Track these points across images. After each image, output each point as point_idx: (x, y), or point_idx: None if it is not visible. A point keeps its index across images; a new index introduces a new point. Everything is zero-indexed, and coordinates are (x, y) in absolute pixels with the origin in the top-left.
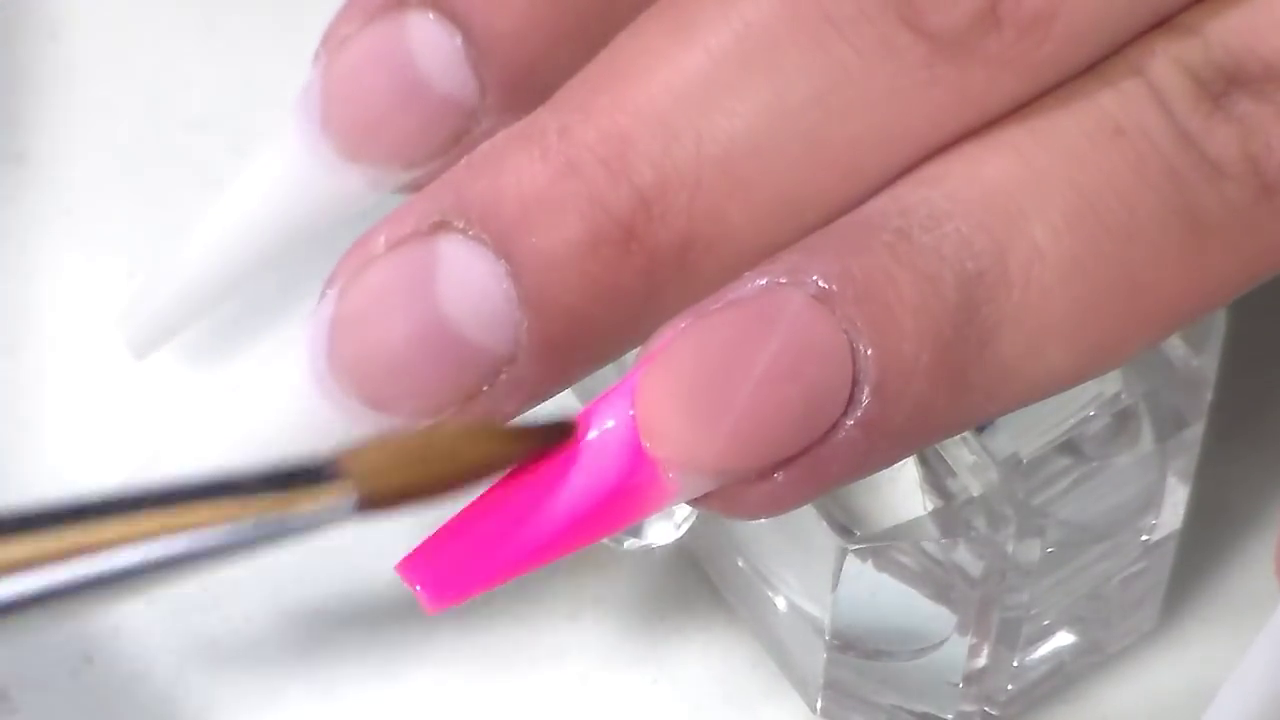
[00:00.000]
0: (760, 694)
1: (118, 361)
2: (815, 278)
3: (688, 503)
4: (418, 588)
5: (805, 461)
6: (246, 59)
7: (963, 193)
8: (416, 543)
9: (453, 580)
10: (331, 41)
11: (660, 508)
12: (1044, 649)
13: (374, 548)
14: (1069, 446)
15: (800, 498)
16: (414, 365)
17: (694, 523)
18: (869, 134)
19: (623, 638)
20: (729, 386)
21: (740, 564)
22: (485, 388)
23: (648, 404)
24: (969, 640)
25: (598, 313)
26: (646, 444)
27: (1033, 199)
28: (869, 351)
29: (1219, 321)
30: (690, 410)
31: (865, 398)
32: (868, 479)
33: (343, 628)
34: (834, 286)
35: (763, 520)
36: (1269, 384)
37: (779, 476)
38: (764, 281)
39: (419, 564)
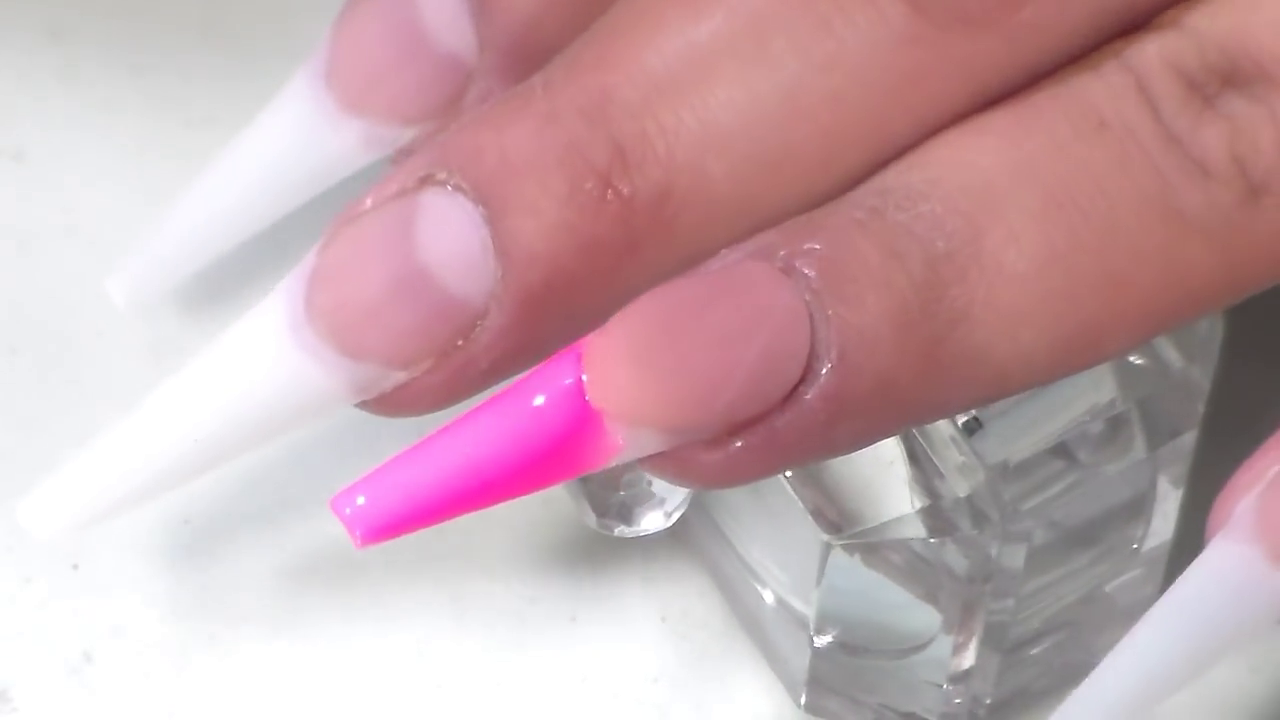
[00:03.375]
0: (761, 693)
1: (119, 361)
2: (783, 251)
3: (643, 466)
4: (350, 522)
5: (762, 430)
6: (246, 59)
7: (943, 177)
8: (413, 555)
9: (385, 518)
10: (350, 3)
11: (605, 463)
12: (1035, 652)
13: (374, 552)
14: (1060, 452)
15: (758, 469)
16: (389, 313)
17: (687, 512)
18: (849, 90)
19: (622, 638)
20: (678, 343)
21: (731, 557)
22: (460, 342)
23: (595, 357)
24: (954, 640)
25: (573, 264)
26: (589, 395)
27: (1012, 185)
28: (830, 323)
29: (1215, 331)
30: (635, 363)
31: (825, 368)
32: (857, 475)
33: (343, 629)
34: (799, 259)
35: (751, 512)
36: (1267, 388)
37: (736, 444)
38: (732, 257)
39: (353, 499)
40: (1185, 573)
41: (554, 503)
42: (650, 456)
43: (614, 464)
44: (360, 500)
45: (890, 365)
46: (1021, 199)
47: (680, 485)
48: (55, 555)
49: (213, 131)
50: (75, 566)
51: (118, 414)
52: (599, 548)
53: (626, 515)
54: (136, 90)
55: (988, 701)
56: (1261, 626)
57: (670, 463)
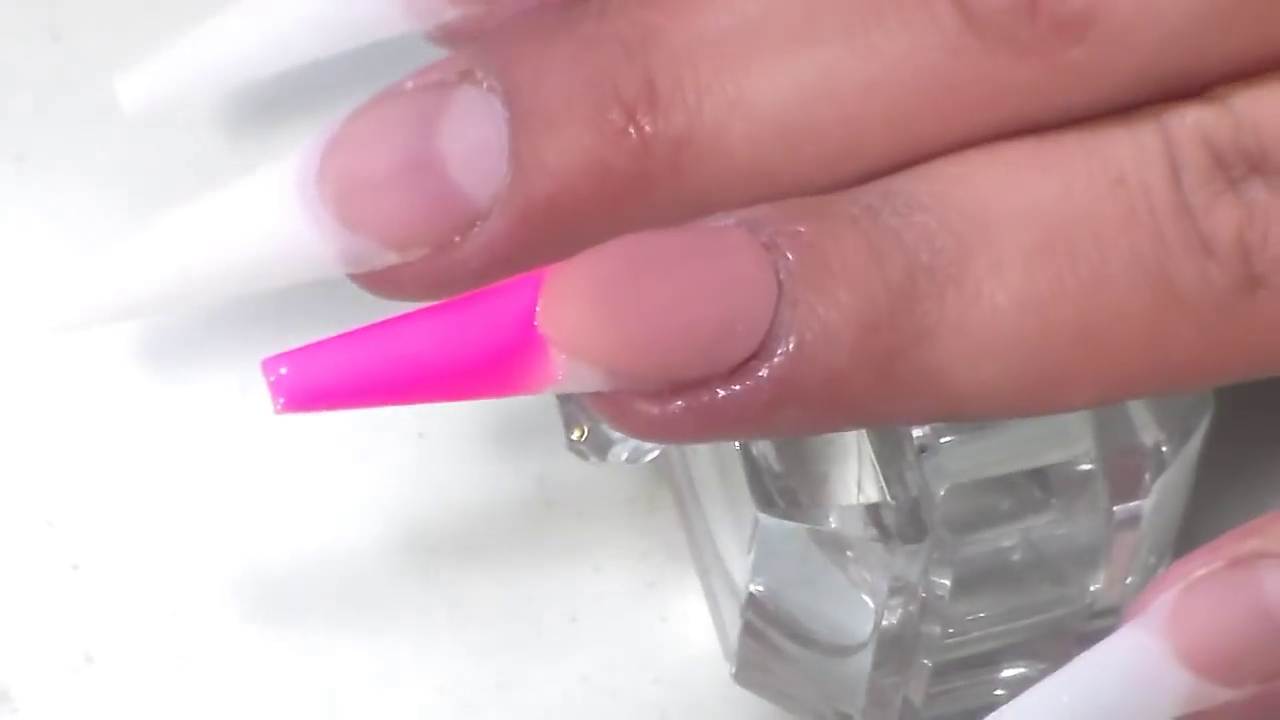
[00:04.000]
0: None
1: (120, 361)
2: (770, 228)
3: (586, 402)
4: (275, 387)
5: (705, 395)
6: (262, 78)
7: (947, 193)
8: (413, 556)
9: (310, 390)
10: None
11: (540, 389)
12: (998, 676)
13: (374, 553)
14: (1011, 488)
15: (693, 433)
16: (394, 191)
17: (673, 470)
18: (884, 84)
19: (623, 638)
20: (638, 288)
21: (698, 516)
22: (457, 238)
23: (553, 282)
24: (879, 643)
25: (580, 186)
26: (538, 319)
27: (1011, 218)
28: (797, 308)
29: (1203, 410)
30: (589, 297)
31: (780, 349)
32: (818, 453)
33: (343, 631)
34: (783, 238)
35: (713, 474)
36: (1257, 423)
37: (677, 403)
38: (722, 221)
39: (283, 364)
40: (1089, 651)
41: (555, 504)
42: (591, 394)
43: (550, 393)
44: (288, 368)
45: (845, 365)
46: (1017, 233)
47: (615, 429)
48: (55, 555)
49: (213, 131)
50: (75, 567)
51: (118, 416)
52: (599, 548)
53: (599, 445)
54: None
55: (917, 704)
56: (1155, 717)
57: (608, 405)
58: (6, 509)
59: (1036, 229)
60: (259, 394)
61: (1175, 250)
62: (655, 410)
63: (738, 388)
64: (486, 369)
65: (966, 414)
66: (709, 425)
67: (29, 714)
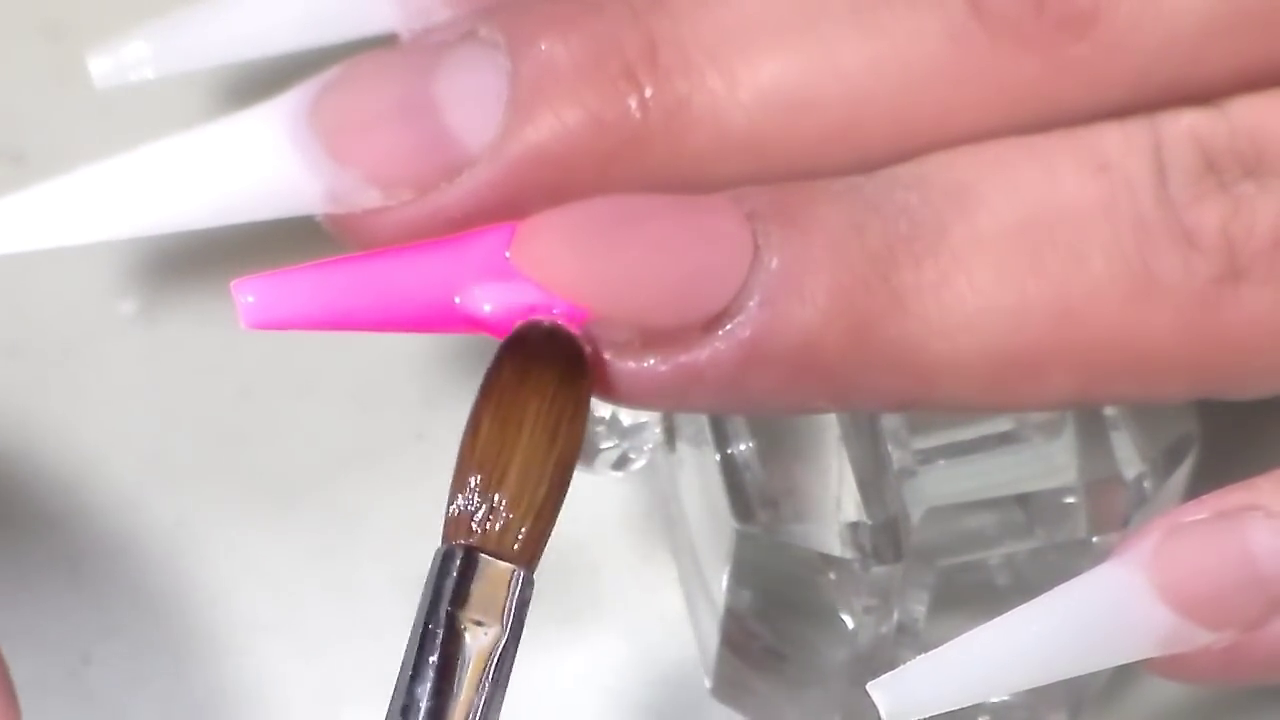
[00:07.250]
0: None
1: (120, 363)
2: (754, 201)
3: None
4: (245, 302)
5: (676, 350)
6: (247, 61)
7: (930, 175)
8: (413, 557)
9: (274, 310)
10: None
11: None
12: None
13: (373, 553)
14: (990, 512)
15: (661, 392)
16: (386, 128)
17: (663, 487)
18: (887, 63)
19: (622, 639)
20: (615, 232)
21: (683, 530)
22: (443, 184)
23: (530, 222)
24: (855, 660)
25: (574, 139)
26: (510, 252)
27: (992, 195)
28: (771, 263)
29: (1185, 446)
30: (565, 236)
31: (754, 306)
32: (799, 472)
33: (343, 630)
34: (763, 207)
35: (697, 489)
36: (1243, 459)
37: (648, 360)
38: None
39: (255, 283)
40: (1070, 581)
41: None
42: None
43: None
44: (261, 290)
45: (818, 326)
46: (997, 209)
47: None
48: (53, 557)
49: None
50: (73, 568)
51: (117, 416)
52: (599, 550)
53: (585, 454)
54: (136, 90)
55: None
56: (1131, 651)
57: None
58: (6, 509)
59: (1017, 208)
60: (259, 395)
61: (1157, 238)
62: (628, 366)
63: (709, 344)
64: (453, 304)
65: (941, 396)
66: (679, 385)
67: (27, 715)
